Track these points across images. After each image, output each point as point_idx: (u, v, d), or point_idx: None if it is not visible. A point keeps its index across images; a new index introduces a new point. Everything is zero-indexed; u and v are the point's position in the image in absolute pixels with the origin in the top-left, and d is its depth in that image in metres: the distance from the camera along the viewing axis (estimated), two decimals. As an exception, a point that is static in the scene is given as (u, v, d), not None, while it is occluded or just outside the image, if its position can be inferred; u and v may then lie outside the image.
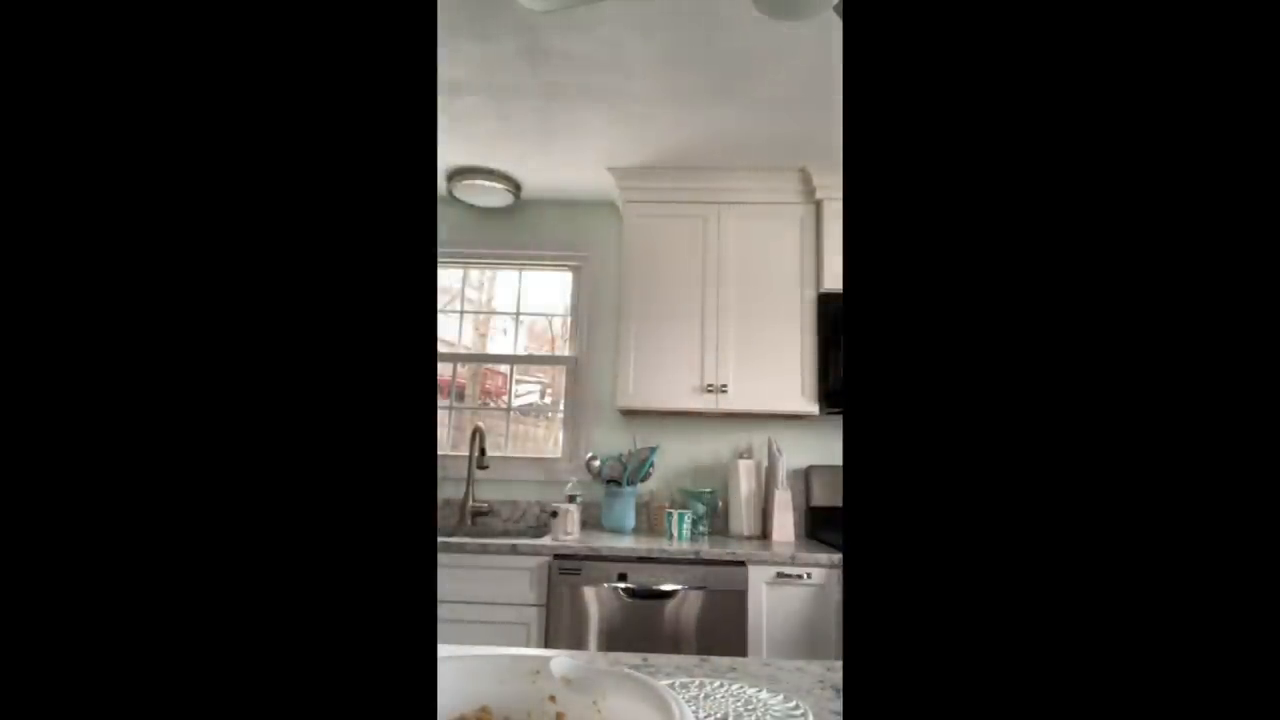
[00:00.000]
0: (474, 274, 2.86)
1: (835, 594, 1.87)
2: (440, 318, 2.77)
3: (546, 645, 1.91)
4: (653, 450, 2.37)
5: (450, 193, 2.51)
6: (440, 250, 2.74)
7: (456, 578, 1.94)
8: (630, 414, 2.46)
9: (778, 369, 2.25)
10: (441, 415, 2.72)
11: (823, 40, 1.64)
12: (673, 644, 1.87)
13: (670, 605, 1.89)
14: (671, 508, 2.40)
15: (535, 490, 2.54)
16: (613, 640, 1.90)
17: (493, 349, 2.86)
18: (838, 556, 1.90)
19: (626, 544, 2.00)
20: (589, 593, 1.93)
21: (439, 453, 2.61)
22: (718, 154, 2.25)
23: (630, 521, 2.31)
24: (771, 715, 0.65)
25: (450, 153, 2.31)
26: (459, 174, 2.43)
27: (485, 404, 2.81)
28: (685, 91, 1.90)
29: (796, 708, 0.67)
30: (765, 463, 2.38)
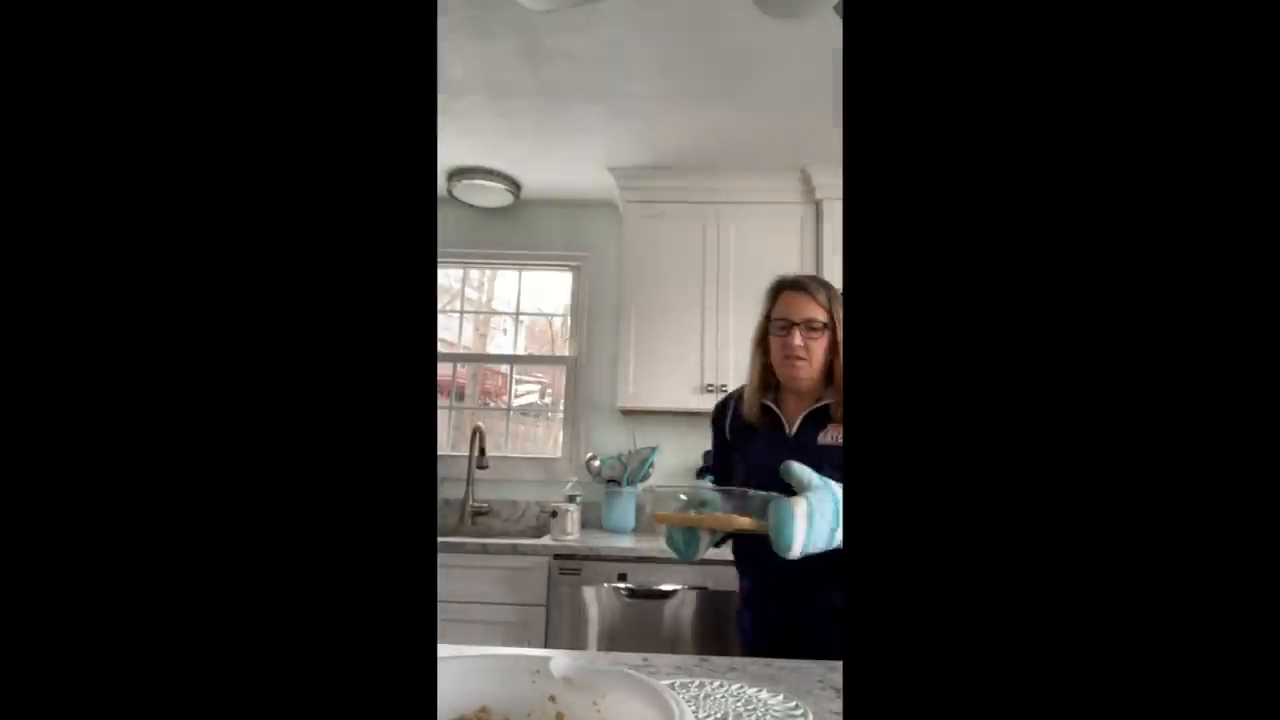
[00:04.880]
0: (474, 274, 2.86)
1: (835, 594, 1.86)
2: (440, 318, 2.77)
3: (546, 645, 1.91)
4: (653, 450, 2.37)
5: (450, 193, 2.51)
6: (440, 250, 2.74)
7: (456, 578, 1.94)
8: (630, 414, 2.46)
9: (778, 369, 2.24)
10: (441, 415, 2.72)
11: (823, 40, 1.64)
12: (672, 644, 1.87)
13: (670, 605, 1.89)
14: (671, 508, 2.39)
15: (535, 490, 2.54)
16: (613, 640, 1.90)
17: (493, 349, 2.86)
18: (838, 556, 1.89)
19: (626, 544, 2.00)
20: (589, 593, 1.93)
21: (439, 453, 2.61)
22: (718, 154, 2.25)
23: (630, 521, 2.31)
24: (771, 715, 0.65)
25: (450, 153, 2.31)
26: (459, 174, 2.43)
27: (485, 404, 2.81)
28: (685, 91, 1.90)
29: (796, 708, 0.67)
30: (765, 463, 2.38)
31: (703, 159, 2.28)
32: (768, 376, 1.16)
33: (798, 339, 1.09)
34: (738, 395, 1.22)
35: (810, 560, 0.89)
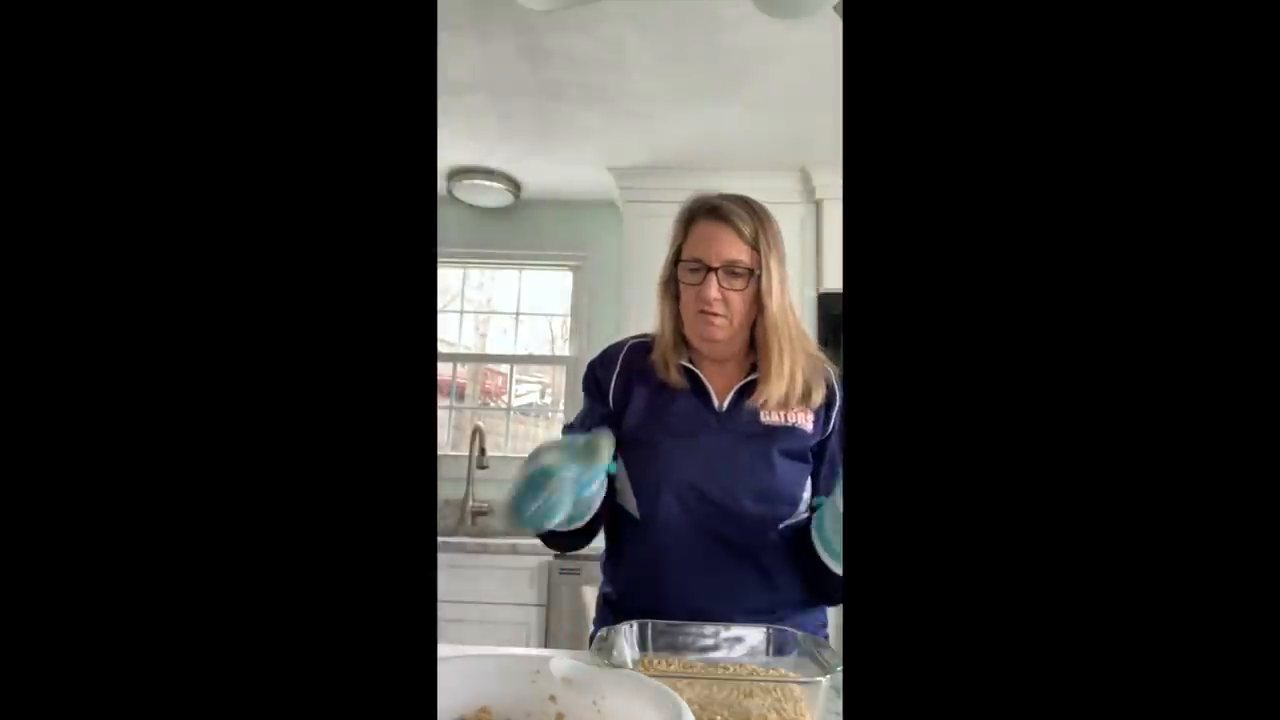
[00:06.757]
0: (474, 274, 2.86)
1: (835, 594, 1.86)
2: (440, 318, 2.77)
3: (546, 645, 1.91)
4: (653, 450, 2.35)
5: (450, 193, 2.51)
6: (440, 250, 2.74)
7: (456, 578, 1.94)
8: (630, 414, 2.46)
9: (778, 369, 2.24)
10: (441, 415, 2.72)
11: (823, 40, 1.63)
12: (673, 644, 1.87)
13: (670, 605, 1.88)
14: (671, 508, 2.39)
15: (535, 490, 2.53)
16: (613, 640, 1.89)
17: (493, 349, 2.86)
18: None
19: (626, 544, 1.99)
20: (589, 593, 1.93)
21: (439, 453, 2.61)
22: (718, 154, 2.24)
23: (630, 521, 2.30)
24: (771, 715, 0.65)
25: (450, 153, 2.31)
26: (459, 174, 2.43)
27: (485, 404, 2.81)
28: (685, 91, 1.90)
29: (796, 708, 0.67)
30: (765, 463, 2.37)
31: (703, 159, 2.28)
32: (681, 329, 0.88)
33: (713, 289, 0.81)
34: (631, 349, 0.93)
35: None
